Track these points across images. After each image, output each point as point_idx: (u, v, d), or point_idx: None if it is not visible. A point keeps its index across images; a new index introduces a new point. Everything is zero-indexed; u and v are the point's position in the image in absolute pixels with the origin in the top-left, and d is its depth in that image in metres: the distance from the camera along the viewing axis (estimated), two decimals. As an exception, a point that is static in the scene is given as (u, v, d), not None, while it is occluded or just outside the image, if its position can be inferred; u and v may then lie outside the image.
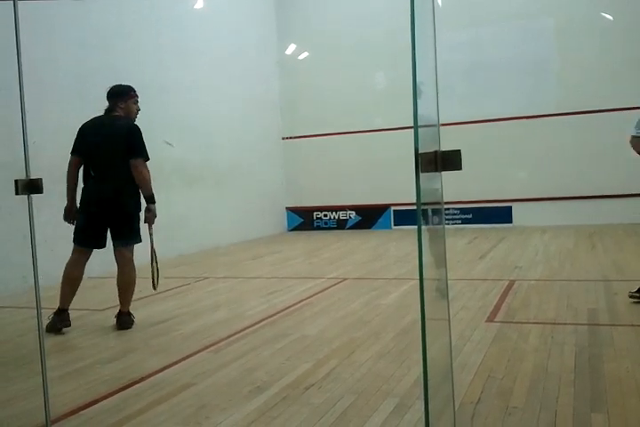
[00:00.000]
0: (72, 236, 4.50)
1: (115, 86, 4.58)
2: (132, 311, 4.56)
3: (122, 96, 4.53)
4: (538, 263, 6.59)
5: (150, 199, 4.50)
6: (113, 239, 4.49)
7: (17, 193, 2.49)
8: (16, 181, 2.49)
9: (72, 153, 4.53)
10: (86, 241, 4.50)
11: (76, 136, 4.54)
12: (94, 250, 4.56)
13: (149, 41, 8.58)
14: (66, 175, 4.53)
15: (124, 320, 4.47)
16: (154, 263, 4.64)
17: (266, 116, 11.96)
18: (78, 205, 4.51)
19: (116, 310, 4.55)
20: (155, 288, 4.69)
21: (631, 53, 10.03)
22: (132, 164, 4.41)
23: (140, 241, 4.57)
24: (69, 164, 4.52)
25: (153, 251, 4.65)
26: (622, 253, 6.87)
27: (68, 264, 4.48)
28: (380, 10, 11.15)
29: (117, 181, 4.42)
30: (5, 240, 6.13)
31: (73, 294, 4.45)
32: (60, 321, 4.32)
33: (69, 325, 4.39)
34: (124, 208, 4.44)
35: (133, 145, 4.42)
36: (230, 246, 9.90)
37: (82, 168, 4.56)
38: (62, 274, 4.46)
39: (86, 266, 4.54)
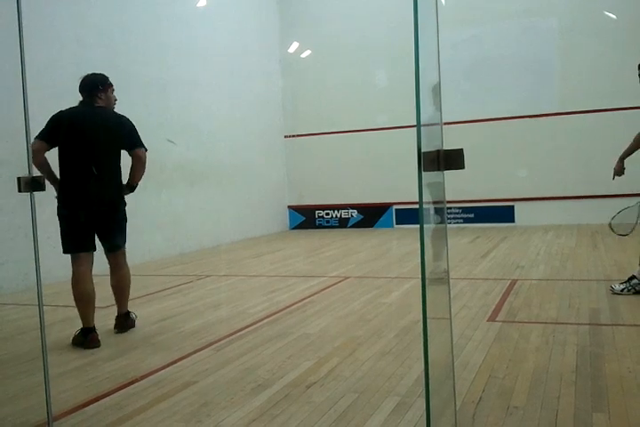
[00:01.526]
0: (62, 247, 4.08)
1: (89, 76, 4.23)
2: (131, 310, 4.48)
3: (101, 87, 4.23)
4: (540, 263, 6.58)
5: (133, 188, 4.37)
6: (110, 242, 4.26)
7: (19, 190, 2.50)
8: (18, 179, 2.50)
9: (41, 138, 3.98)
10: (84, 244, 4.12)
11: (51, 124, 4.06)
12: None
13: (151, 39, 8.58)
14: (34, 162, 3.77)
15: (125, 323, 4.37)
16: None
17: (268, 115, 11.96)
18: (61, 201, 4.10)
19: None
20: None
21: (634, 52, 10.00)
22: (136, 153, 4.27)
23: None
24: (36, 149, 3.91)
25: None
26: (624, 252, 6.86)
27: (74, 279, 4.07)
28: (382, 8, 11.14)
29: (117, 180, 4.27)
30: (7, 238, 6.15)
31: (93, 309, 4.10)
32: (89, 342, 3.99)
33: (99, 346, 4.01)
34: (122, 208, 4.30)
35: (135, 135, 4.31)
36: (232, 244, 9.91)
37: (72, 164, 4.12)
38: (72, 291, 4.06)
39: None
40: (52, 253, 6.46)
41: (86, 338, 4.00)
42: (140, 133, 4.38)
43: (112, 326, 4.43)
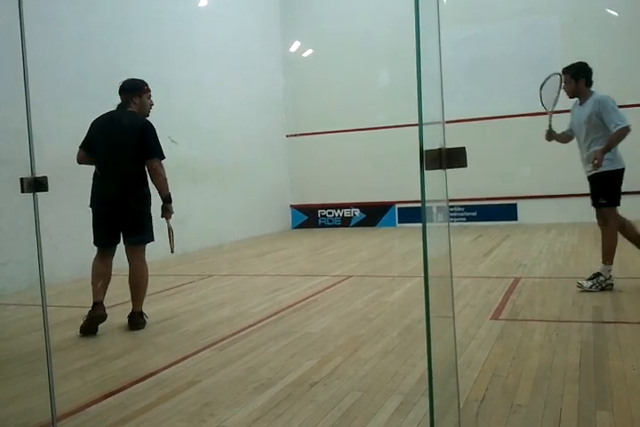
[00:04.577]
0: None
1: (127, 81, 4.45)
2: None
3: (136, 91, 4.42)
4: (542, 261, 6.57)
5: (167, 199, 4.41)
6: (123, 237, 4.41)
7: (22, 191, 2.50)
8: (21, 179, 2.50)
9: (80, 147, 4.47)
10: (101, 240, 4.43)
11: (87, 131, 4.47)
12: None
13: (152, 37, 8.58)
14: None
15: (136, 321, 4.38)
16: (170, 232, 4.46)
17: (270, 114, 11.95)
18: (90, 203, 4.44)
19: (122, 308, 4.55)
20: (172, 251, 4.47)
21: (635, 50, 9.98)
22: (148, 165, 4.32)
23: (153, 240, 4.47)
24: (78, 160, 4.50)
25: (169, 227, 4.48)
26: (626, 250, 6.83)
27: (94, 260, 4.44)
28: (384, 6, 11.12)
29: (126, 178, 4.33)
30: (10, 238, 6.15)
31: (104, 287, 4.37)
32: (94, 311, 4.22)
33: (104, 315, 4.25)
34: (131, 206, 4.34)
35: (149, 145, 4.32)
36: (234, 244, 9.91)
37: (96, 167, 4.47)
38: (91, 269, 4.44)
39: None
40: (55, 253, 6.47)
41: (92, 309, 4.24)
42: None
43: (114, 326, 4.44)
